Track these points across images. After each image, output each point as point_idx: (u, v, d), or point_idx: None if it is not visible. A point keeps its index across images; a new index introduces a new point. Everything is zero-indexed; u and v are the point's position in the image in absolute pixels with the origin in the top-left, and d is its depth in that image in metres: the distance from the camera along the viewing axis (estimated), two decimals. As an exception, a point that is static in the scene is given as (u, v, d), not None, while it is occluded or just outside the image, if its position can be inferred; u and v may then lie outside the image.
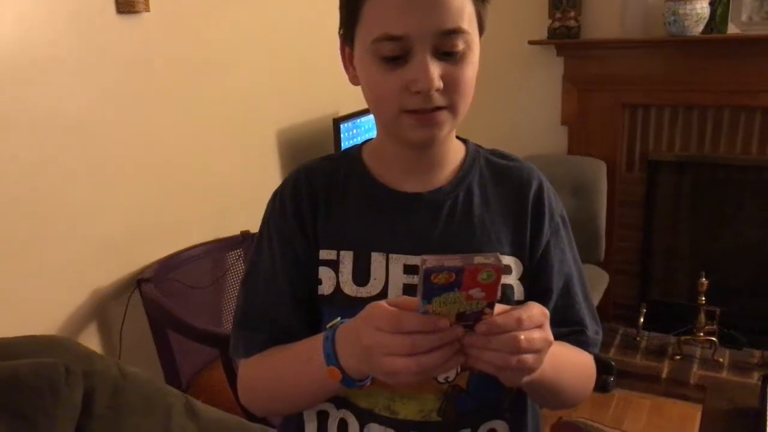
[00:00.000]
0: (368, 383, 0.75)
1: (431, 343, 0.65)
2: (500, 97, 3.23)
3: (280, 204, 0.89)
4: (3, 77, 1.60)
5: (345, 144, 2.56)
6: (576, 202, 2.92)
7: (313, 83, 2.66)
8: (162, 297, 1.88)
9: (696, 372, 2.86)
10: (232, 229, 2.31)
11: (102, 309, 1.91)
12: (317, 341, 0.76)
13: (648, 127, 3.04)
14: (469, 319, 0.66)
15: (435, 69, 0.74)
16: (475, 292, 0.63)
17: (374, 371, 0.70)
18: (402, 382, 0.67)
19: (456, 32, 0.74)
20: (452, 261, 0.61)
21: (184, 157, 2.17)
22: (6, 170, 1.62)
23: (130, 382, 1.47)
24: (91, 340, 1.87)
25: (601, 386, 2.75)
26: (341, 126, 2.55)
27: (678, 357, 2.94)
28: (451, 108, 0.78)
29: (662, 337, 3.10)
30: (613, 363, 2.82)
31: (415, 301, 0.66)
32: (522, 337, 0.65)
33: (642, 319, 3.08)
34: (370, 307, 0.69)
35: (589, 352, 0.90)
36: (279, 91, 2.54)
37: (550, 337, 0.70)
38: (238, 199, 2.36)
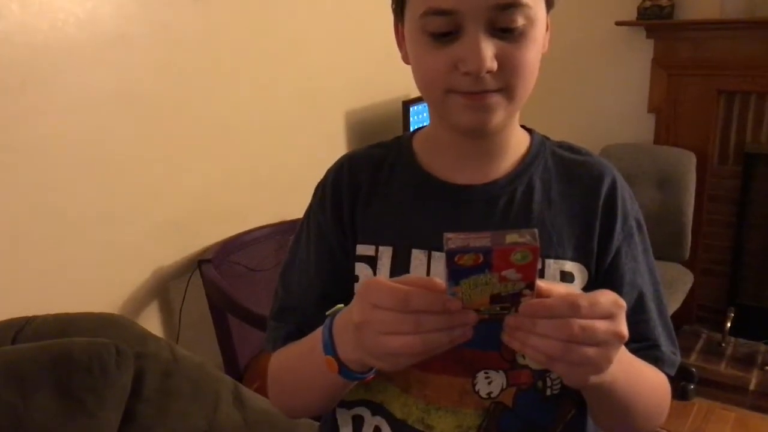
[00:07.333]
0: (370, 376, 0.68)
1: (437, 324, 0.57)
2: (583, 81, 3.07)
3: (321, 194, 0.84)
4: (71, 56, 1.60)
5: (415, 127, 2.47)
6: (661, 196, 2.74)
7: (383, 64, 2.56)
8: (221, 279, 1.87)
9: (789, 385, 2.63)
10: (297, 212, 2.23)
11: (163, 288, 1.92)
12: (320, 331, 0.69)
13: (745, 117, 2.80)
14: (505, 301, 0.57)
15: (488, 48, 0.65)
16: (510, 273, 0.54)
17: (368, 353, 0.61)
18: (399, 364, 0.59)
19: (514, 6, 0.65)
20: (479, 240, 0.53)
21: (251, 139, 2.14)
22: (71, 148, 1.63)
23: (181, 366, 1.45)
24: (151, 320, 1.88)
25: (680, 393, 2.57)
26: (411, 109, 2.47)
27: (768, 367, 2.72)
28: (507, 91, 0.68)
29: (751, 344, 2.87)
30: (693, 369, 2.63)
31: (425, 279, 0.59)
32: (576, 323, 0.55)
33: (729, 324, 2.85)
34: (367, 282, 0.60)
35: (664, 372, 0.79)
36: (348, 73, 2.49)
37: (623, 330, 0.58)
38: (304, 181, 2.27)
